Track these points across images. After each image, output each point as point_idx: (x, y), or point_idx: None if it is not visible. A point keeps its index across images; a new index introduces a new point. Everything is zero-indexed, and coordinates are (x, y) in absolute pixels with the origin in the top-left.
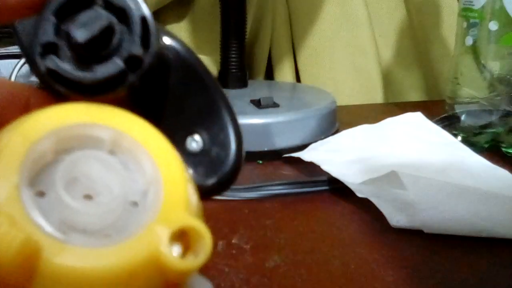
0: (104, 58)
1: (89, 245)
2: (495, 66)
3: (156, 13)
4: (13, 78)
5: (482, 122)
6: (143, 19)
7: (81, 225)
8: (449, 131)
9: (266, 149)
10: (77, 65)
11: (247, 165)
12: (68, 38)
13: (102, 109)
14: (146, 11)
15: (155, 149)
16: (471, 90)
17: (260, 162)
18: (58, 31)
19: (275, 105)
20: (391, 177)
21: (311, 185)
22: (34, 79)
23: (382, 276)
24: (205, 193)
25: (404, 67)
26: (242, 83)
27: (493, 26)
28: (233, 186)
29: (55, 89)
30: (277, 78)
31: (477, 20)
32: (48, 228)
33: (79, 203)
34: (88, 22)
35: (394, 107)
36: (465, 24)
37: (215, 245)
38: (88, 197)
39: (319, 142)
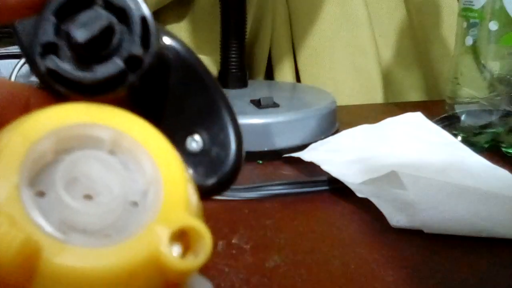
0: (104, 58)
1: (89, 245)
2: (495, 66)
3: (156, 13)
4: (13, 78)
5: (482, 122)
6: (143, 19)
7: (81, 225)
8: (449, 131)
9: (266, 149)
10: (77, 65)
11: (247, 165)
12: (68, 38)
13: (102, 109)
14: (146, 11)
15: (155, 149)
16: (471, 90)
17: (260, 162)
18: (58, 31)
19: (275, 105)
20: (391, 177)
21: (311, 185)
22: (34, 79)
23: (382, 276)
24: (205, 193)
25: (404, 67)
26: (242, 83)
27: (493, 26)
28: (233, 186)
29: (55, 89)
30: (277, 78)
31: (477, 20)
32: (48, 228)
33: (79, 203)
34: (88, 22)
35: (394, 107)
36: (465, 24)
37: (215, 245)
38: (88, 197)
39: (319, 142)
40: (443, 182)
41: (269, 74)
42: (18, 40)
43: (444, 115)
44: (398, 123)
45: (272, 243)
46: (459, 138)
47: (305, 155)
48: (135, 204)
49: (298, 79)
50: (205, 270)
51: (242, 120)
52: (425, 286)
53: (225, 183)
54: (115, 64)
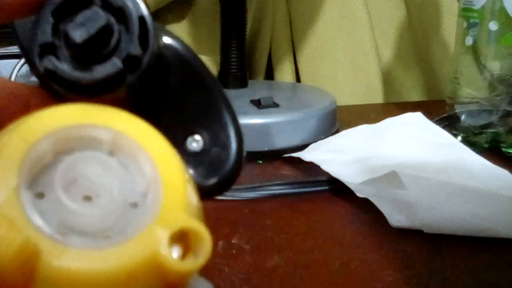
0: (103, 58)
1: (88, 247)
2: (495, 66)
3: (156, 13)
4: (13, 78)
5: (482, 122)
6: (142, 19)
7: (80, 227)
8: (449, 131)
9: (266, 149)
10: (76, 65)
11: (247, 165)
12: (66, 38)
13: (101, 110)
14: (144, 11)
15: (154, 150)
16: (471, 90)
17: (260, 162)
18: (56, 31)
19: (275, 105)
20: (391, 177)
21: (311, 185)
22: (34, 79)
23: (382, 276)
24: (205, 193)
25: (404, 67)
26: (242, 83)
27: (493, 26)
28: (233, 186)
29: (53, 90)
30: (277, 78)
31: (477, 20)
32: (47, 230)
33: (79, 204)
34: (86, 22)
35: (394, 107)
36: (465, 24)
37: (215, 245)
38: (87, 198)
39: (319, 142)
40: (443, 182)
41: (269, 74)
42: (17, 40)
43: (444, 115)
44: (398, 123)
45: (272, 243)
46: (459, 138)
47: (305, 155)
48: (134, 205)
49: (298, 79)
50: (205, 270)
51: (242, 120)
52: (425, 286)
53: (225, 183)
54: (114, 64)
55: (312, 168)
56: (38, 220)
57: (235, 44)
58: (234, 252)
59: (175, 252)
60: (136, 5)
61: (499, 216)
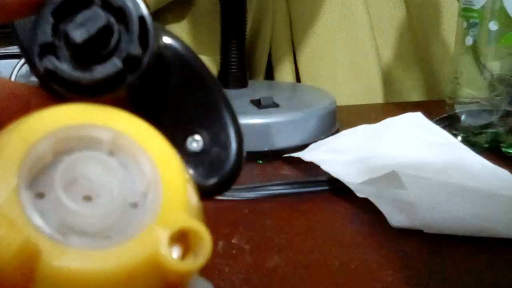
0: (103, 58)
1: (88, 247)
2: (495, 66)
3: (156, 13)
4: (13, 78)
5: (482, 122)
6: (142, 19)
7: (80, 227)
8: (449, 131)
9: (266, 149)
10: (76, 65)
11: (247, 165)
12: (66, 38)
13: (101, 110)
14: (144, 10)
15: (154, 150)
16: (471, 90)
17: (260, 162)
18: (56, 31)
19: (275, 105)
20: (391, 177)
21: (311, 185)
22: (34, 79)
23: (382, 276)
24: (206, 193)
25: (404, 67)
26: (242, 83)
27: (493, 26)
28: (233, 186)
29: (54, 90)
30: (277, 78)
31: (477, 20)
32: (47, 230)
33: (79, 204)
34: (86, 22)
35: (394, 107)
36: (465, 24)
37: (215, 245)
38: (87, 198)
39: (319, 142)
40: (443, 182)
41: (269, 74)
42: (17, 40)
43: (444, 115)
44: (398, 123)
45: (272, 243)
46: (459, 138)
47: (305, 155)
48: (134, 205)
49: (298, 79)
50: (205, 270)
51: (242, 120)
52: (425, 286)
53: (226, 183)
54: (114, 64)
55: (312, 168)
56: (38, 220)
57: (235, 44)
58: (234, 252)
59: (175, 252)
60: (136, 5)
61: (499, 216)
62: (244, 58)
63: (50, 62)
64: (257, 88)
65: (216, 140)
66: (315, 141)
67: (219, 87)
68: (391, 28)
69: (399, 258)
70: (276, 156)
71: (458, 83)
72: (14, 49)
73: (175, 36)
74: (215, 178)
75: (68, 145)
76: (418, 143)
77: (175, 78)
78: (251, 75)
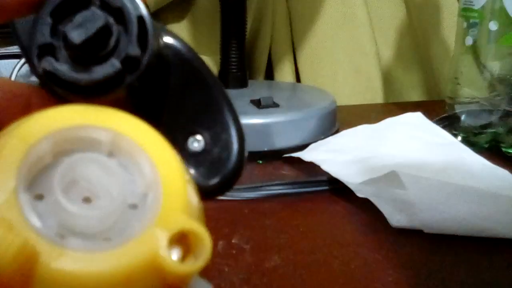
0: (102, 59)
1: (87, 249)
2: (495, 66)
3: (156, 13)
4: (13, 78)
5: (482, 122)
6: (140, 19)
7: (79, 228)
8: (449, 131)
9: (266, 149)
10: (74, 66)
11: (247, 165)
12: (65, 39)
13: (100, 111)
14: (143, 11)
15: (154, 151)
16: (471, 90)
17: (260, 162)
18: (55, 32)
19: (275, 105)
20: (391, 177)
21: (311, 185)
22: (34, 79)
23: (382, 276)
24: (207, 193)
25: (404, 67)
26: (242, 83)
27: (493, 26)
28: (233, 186)
29: (53, 90)
30: (277, 78)
31: (477, 20)
32: (46, 232)
33: (78, 206)
34: (84, 22)
35: (394, 107)
36: (465, 24)
37: (215, 245)
38: (87, 200)
39: (319, 142)
40: (443, 182)
41: (269, 74)
42: (18, 41)
43: (444, 115)
44: (398, 123)
45: (272, 243)
46: (459, 138)
47: (305, 155)
48: (134, 206)
49: (298, 79)
50: (205, 270)
51: (242, 120)
52: (425, 286)
53: (227, 183)
54: (112, 65)
55: (312, 168)
56: (36, 222)
57: (235, 44)
58: (234, 252)
59: (175, 254)
60: (135, 5)
61: (499, 216)
62: (244, 58)
63: (49, 63)
64: (257, 88)
65: (217, 140)
66: (315, 141)
67: (220, 87)
68: (391, 28)
69: (399, 258)
70: (276, 156)
71: (458, 83)
72: (14, 49)
73: (175, 35)
74: (216, 178)
75: (68, 146)
76: (418, 143)
77: (175, 78)
78: (251, 75)
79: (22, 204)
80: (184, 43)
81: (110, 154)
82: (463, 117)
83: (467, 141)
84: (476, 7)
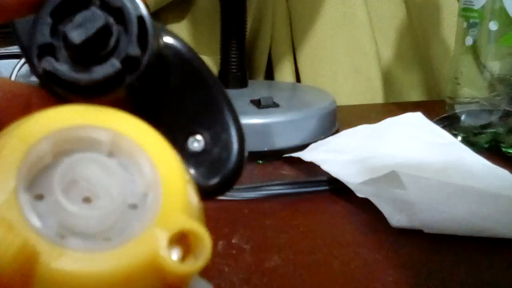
0: (102, 59)
1: (87, 249)
2: (495, 66)
3: (156, 13)
4: (13, 78)
5: (482, 122)
6: (140, 19)
7: (79, 228)
8: (449, 131)
9: (266, 149)
10: (74, 66)
11: (247, 165)
12: (65, 39)
13: (100, 111)
14: (143, 11)
15: (154, 151)
16: (471, 90)
17: (260, 162)
18: (55, 31)
19: (275, 105)
20: (391, 177)
21: (311, 185)
22: (34, 79)
23: (382, 276)
24: (207, 193)
25: (404, 67)
26: (242, 83)
27: (493, 26)
28: (233, 186)
29: (53, 90)
30: (277, 78)
31: (477, 20)
32: (46, 232)
33: (78, 206)
34: (84, 22)
35: (394, 107)
36: (465, 24)
37: (215, 245)
38: (87, 200)
39: (319, 142)
40: (443, 182)
41: (269, 74)
42: (18, 40)
43: (444, 115)
44: (398, 123)
45: (272, 243)
46: (459, 138)
47: (305, 155)
48: (134, 206)
49: (298, 79)
50: (205, 270)
51: (242, 120)
52: (425, 286)
53: (227, 183)
54: (112, 65)
55: (312, 168)
56: (36, 222)
57: (235, 44)
58: (234, 252)
59: (175, 254)
60: (135, 5)
61: (499, 216)
62: (244, 58)
63: (49, 63)
64: (257, 88)
65: (218, 140)
66: (315, 141)
67: (220, 87)
68: (391, 28)
69: (399, 258)
70: (276, 156)
71: (458, 83)
72: (14, 49)
73: (175, 35)
74: (216, 178)
75: (68, 146)
76: (418, 143)
77: (175, 77)
78: (251, 75)
79: (22, 204)
80: (184, 43)
81: (110, 154)
82: (463, 117)
83: (467, 141)
84: (476, 7)
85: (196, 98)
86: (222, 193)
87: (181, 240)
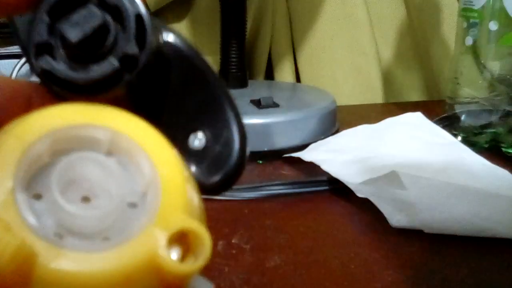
0: (100, 57)
1: (86, 249)
2: (495, 66)
3: (156, 13)
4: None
5: (482, 122)
6: (139, 17)
7: (78, 228)
8: (449, 131)
9: (266, 149)
10: (72, 65)
11: (247, 165)
12: (62, 37)
13: (99, 109)
14: (141, 9)
15: (153, 149)
16: (471, 90)
17: (260, 162)
18: (52, 30)
19: (275, 105)
20: (391, 177)
21: (311, 185)
22: (34, 78)
23: (382, 276)
24: (208, 191)
25: (404, 67)
26: (242, 83)
27: (493, 26)
28: (233, 186)
29: (51, 89)
30: (277, 78)
31: (477, 20)
32: (44, 232)
33: (76, 206)
34: (81, 21)
35: (394, 107)
36: (465, 24)
37: (215, 245)
38: (85, 199)
39: (319, 142)
40: (443, 182)
41: (269, 74)
42: (18, 39)
43: (444, 115)
44: (398, 123)
45: (272, 243)
46: (459, 138)
47: (305, 155)
48: (133, 205)
49: (298, 79)
50: (205, 270)
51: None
52: (425, 286)
53: (228, 181)
54: (110, 64)
55: (312, 168)
56: (34, 222)
57: (235, 44)
58: (234, 252)
59: (175, 253)
60: (133, 3)
61: (499, 216)
62: (244, 58)
63: (46, 62)
64: (257, 88)
65: (219, 137)
66: (315, 141)
67: (221, 84)
68: (391, 28)
69: (399, 258)
70: (276, 156)
71: (458, 83)
72: (14, 49)
73: (176, 32)
74: (218, 175)
75: (66, 145)
76: (418, 143)
77: (176, 75)
78: (251, 75)
79: (20, 204)
80: (185, 40)
81: (109, 153)
82: (463, 117)
83: (467, 141)
84: (476, 7)
85: (197, 95)
86: (223, 191)
87: (181, 239)
